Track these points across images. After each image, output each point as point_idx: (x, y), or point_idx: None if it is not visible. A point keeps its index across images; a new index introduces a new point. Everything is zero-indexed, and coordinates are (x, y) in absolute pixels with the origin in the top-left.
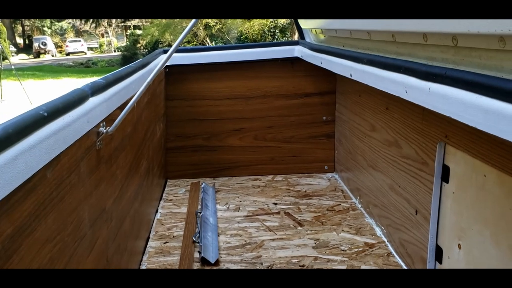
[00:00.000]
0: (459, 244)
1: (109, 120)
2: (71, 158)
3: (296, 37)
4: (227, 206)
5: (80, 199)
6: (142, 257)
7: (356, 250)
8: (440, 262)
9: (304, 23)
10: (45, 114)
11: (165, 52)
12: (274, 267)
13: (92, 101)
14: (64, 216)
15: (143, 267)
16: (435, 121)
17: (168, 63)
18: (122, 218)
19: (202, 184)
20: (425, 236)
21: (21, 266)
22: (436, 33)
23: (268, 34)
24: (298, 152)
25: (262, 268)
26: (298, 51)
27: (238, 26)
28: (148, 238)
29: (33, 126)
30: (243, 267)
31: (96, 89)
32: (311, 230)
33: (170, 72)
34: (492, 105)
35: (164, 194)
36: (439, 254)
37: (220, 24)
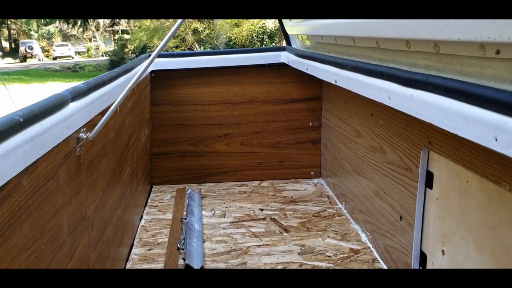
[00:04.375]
0: (442, 250)
1: (90, 125)
2: (49, 165)
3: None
4: (213, 212)
5: (58, 207)
6: (126, 264)
7: (342, 256)
8: (424, 268)
9: (290, 29)
10: (21, 119)
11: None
12: None
13: (72, 106)
14: (41, 224)
15: None
16: (419, 128)
17: (154, 68)
18: (105, 225)
19: (188, 190)
20: (409, 242)
21: None
22: (419, 40)
23: (256, 40)
24: (284, 158)
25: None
26: (285, 57)
27: (227, 31)
28: (132, 245)
29: (7, 132)
30: None
31: (76, 94)
32: (296, 236)
33: (156, 77)
34: (472, 112)
35: (149, 200)
36: (423, 260)
37: (208, 30)
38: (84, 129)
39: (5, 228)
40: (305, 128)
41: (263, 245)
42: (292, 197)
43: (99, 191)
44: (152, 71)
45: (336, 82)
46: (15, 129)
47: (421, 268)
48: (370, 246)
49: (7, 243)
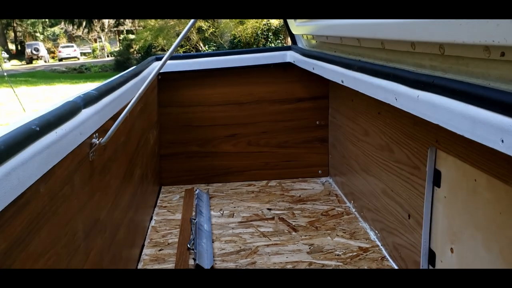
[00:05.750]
0: (451, 248)
1: (102, 131)
2: (64, 171)
3: (289, 40)
4: (221, 212)
5: (73, 211)
6: (137, 265)
7: (351, 254)
8: (433, 266)
9: (296, 29)
10: (37, 128)
11: (157, 59)
12: None
13: (85, 112)
14: (58, 229)
15: None
16: (426, 126)
17: (161, 70)
18: (117, 227)
19: (196, 190)
20: (418, 240)
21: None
22: (423, 42)
23: (261, 37)
24: (292, 157)
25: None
26: (291, 56)
27: (231, 29)
28: (143, 245)
29: (25, 141)
30: None
31: (88, 101)
32: (305, 235)
33: (163, 79)
34: (478, 114)
35: (158, 201)
36: (432, 258)
37: (213, 28)
38: (96, 134)
39: (25, 234)
40: (312, 127)
41: (272, 244)
42: (300, 196)
43: (112, 195)
44: (159, 73)
45: (342, 82)
46: (32, 138)
47: (430, 266)
48: (379, 244)
49: (27, 249)
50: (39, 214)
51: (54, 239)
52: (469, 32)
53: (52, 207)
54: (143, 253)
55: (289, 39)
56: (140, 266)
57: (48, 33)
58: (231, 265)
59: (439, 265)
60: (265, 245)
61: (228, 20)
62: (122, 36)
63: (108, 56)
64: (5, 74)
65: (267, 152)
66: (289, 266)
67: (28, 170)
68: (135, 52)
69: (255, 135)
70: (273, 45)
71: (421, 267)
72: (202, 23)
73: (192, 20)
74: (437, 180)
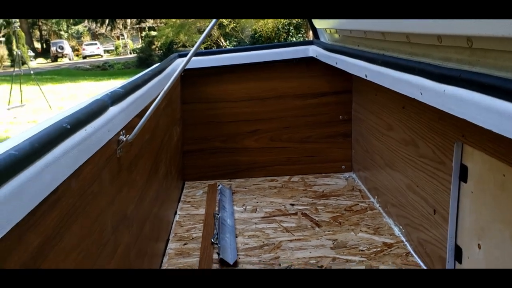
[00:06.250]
0: (478, 244)
1: (128, 128)
2: (93, 168)
3: (311, 33)
4: (244, 207)
5: (102, 207)
6: (162, 259)
7: (375, 250)
8: (460, 262)
9: (318, 23)
10: (68, 126)
11: (180, 56)
12: (292, 268)
13: (112, 110)
14: (88, 225)
15: (163, 268)
16: (452, 121)
17: None
18: (143, 222)
19: (219, 185)
20: (444, 236)
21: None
22: (451, 35)
23: (282, 32)
24: (314, 152)
25: (280, 269)
26: (313, 51)
27: (252, 24)
28: (168, 240)
29: (57, 139)
30: (258, 266)
31: (115, 98)
32: (329, 231)
33: (186, 76)
34: (506, 107)
35: (182, 196)
36: (458, 253)
37: (234, 23)
38: (123, 131)
39: (57, 230)
40: (335, 121)
41: (295, 239)
42: (323, 191)
43: (138, 190)
44: (183, 70)
45: (366, 76)
46: (64, 136)
47: (456, 262)
48: (404, 240)
49: (59, 245)
50: (70, 210)
51: (84, 234)
52: (498, 24)
53: (82, 203)
54: (168, 247)
55: (310, 33)
56: (165, 260)
57: (72, 31)
58: (254, 260)
59: (465, 261)
60: (288, 240)
61: None
62: (144, 33)
63: (130, 53)
64: (32, 72)
65: (290, 148)
66: (312, 261)
67: (60, 167)
68: (156, 48)
69: (278, 130)
70: (294, 39)
71: (447, 263)
72: (222, 19)
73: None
74: (463, 175)
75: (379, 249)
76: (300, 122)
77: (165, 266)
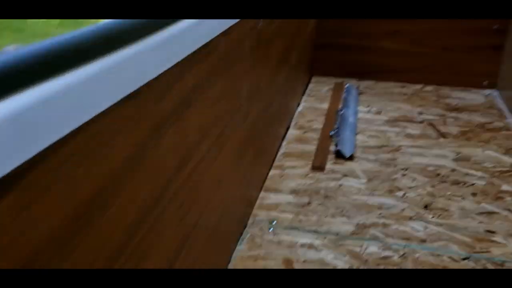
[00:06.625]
0: None
1: None
2: (238, 32)
3: None
4: (369, 108)
5: (241, 73)
6: (282, 141)
7: (501, 169)
8: None
9: None
10: None
11: None
12: (408, 171)
13: None
14: (228, 84)
15: (281, 151)
16: None
17: None
18: (271, 101)
19: (346, 84)
20: None
21: (192, 119)
22: None
23: None
24: (455, 62)
25: (396, 170)
26: None
27: None
28: (289, 127)
29: None
30: (374, 164)
31: None
32: (454, 144)
33: None
34: None
35: (307, 90)
36: None
37: None
38: None
39: (205, 80)
40: (487, 30)
41: (416, 146)
42: (456, 105)
43: (270, 70)
44: None
45: None
46: None
47: None
48: None
49: (206, 93)
50: (216, 66)
51: (224, 92)
52: None
53: (226, 63)
54: (288, 133)
55: None
56: (284, 143)
57: None
58: (371, 157)
59: None
60: (409, 145)
61: None
62: None
63: None
64: None
65: (429, 54)
66: (430, 168)
67: (214, 25)
68: None
69: (419, 33)
70: None
71: None
72: None
73: None
74: None
75: (506, 169)
76: (446, 26)
77: (283, 150)
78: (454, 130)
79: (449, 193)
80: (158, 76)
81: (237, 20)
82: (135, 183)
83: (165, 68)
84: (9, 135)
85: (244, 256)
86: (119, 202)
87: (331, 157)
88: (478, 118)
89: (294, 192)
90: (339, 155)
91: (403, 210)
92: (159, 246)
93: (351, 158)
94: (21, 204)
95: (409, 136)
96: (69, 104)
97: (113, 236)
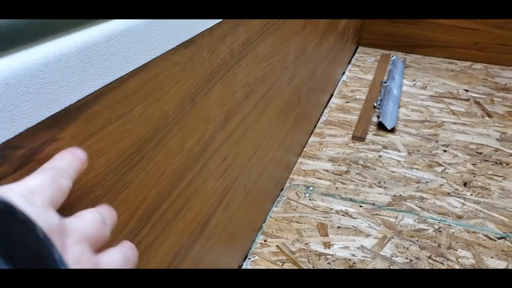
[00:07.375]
0: None
1: None
2: None
3: None
4: (414, 82)
5: (289, 34)
6: (324, 110)
7: None
8: None
9: None
10: None
11: None
12: (449, 148)
13: None
14: (277, 43)
15: (323, 118)
16: None
17: None
18: (316, 66)
19: (393, 56)
20: None
21: (240, 74)
22: None
23: None
24: (509, 41)
25: (437, 145)
26: None
27: None
28: (332, 95)
29: None
30: (415, 138)
31: None
32: (499, 123)
33: None
34: None
35: (353, 59)
36: None
37: None
38: None
39: (257, 36)
40: None
41: (459, 123)
42: (505, 84)
43: (319, 33)
44: None
45: None
46: None
47: None
48: None
49: (256, 49)
50: (266, 23)
51: (273, 50)
52: None
53: (277, 20)
54: (330, 101)
55: None
56: (326, 111)
57: None
58: (412, 131)
59: None
60: (452, 122)
61: None
62: None
63: None
64: None
65: (482, 31)
66: (472, 147)
67: None
68: None
69: None
70: None
71: None
72: None
73: None
74: None
75: None
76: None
77: (324, 117)
78: (500, 109)
79: (490, 172)
80: (212, 27)
81: None
82: (184, 130)
83: (219, 20)
84: (76, 67)
85: (279, 218)
86: (169, 146)
87: (372, 128)
88: None
89: (332, 160)
90: (380, 126)
91: (441, 185)
92: (202, 196)
93: (392, 130)
94: (82, 136)
95: (453, 112)
96: (131, 45)
97: (161, 180)
